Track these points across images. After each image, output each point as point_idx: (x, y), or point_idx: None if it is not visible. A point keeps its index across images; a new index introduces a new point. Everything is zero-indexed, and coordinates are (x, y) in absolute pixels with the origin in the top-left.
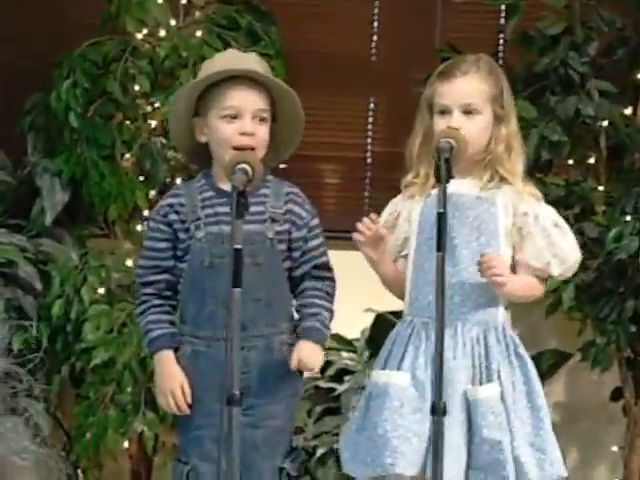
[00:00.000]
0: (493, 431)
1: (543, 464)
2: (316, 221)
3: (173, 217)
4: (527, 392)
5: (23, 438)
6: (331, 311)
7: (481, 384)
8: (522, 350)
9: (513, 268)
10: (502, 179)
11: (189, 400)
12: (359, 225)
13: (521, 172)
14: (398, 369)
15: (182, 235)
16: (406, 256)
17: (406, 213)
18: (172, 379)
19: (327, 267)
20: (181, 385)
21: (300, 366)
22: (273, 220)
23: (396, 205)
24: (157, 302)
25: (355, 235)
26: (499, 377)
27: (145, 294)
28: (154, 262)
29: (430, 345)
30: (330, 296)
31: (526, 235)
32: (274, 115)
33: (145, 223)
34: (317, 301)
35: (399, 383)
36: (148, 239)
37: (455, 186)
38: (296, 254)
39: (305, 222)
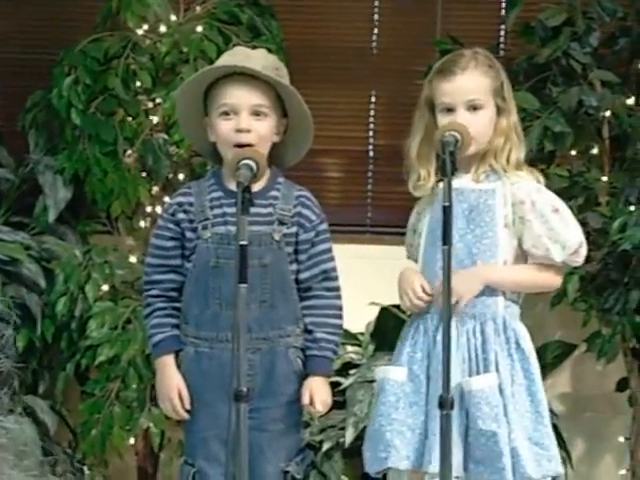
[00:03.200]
0: (488, 422)
1: (541, 459)
2: (324, 226)
3: (181, 216)
4: (527, 386)
5: (28, 436)
6: (341, 327)
7: (478, 375)
8: (525, 343)
9: (524, 259)
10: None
11: (187, 406)
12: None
13: (517, 162)
14: (397, 364)
15: (190, 234)
16: None
17: (422, 213)
18: (170, 385)
19: (334, 274)
20: (178, 391)
21: (311, 406)
22: (281, 222)
23: (418, 206)
24: (161, 305)
25: (415, 301)
26: (497, 369)
27: (150, 296)
28: (161, 260)
29: (427, 339)
30: (340, 309)
31: (525, 223)
32: (285, 110)
33: (148, 219)
34: (330, 320)
35: (395, 378)
36: (156, 237)
37: (457, 180)
38: (302, 257)
39: (313, 225)
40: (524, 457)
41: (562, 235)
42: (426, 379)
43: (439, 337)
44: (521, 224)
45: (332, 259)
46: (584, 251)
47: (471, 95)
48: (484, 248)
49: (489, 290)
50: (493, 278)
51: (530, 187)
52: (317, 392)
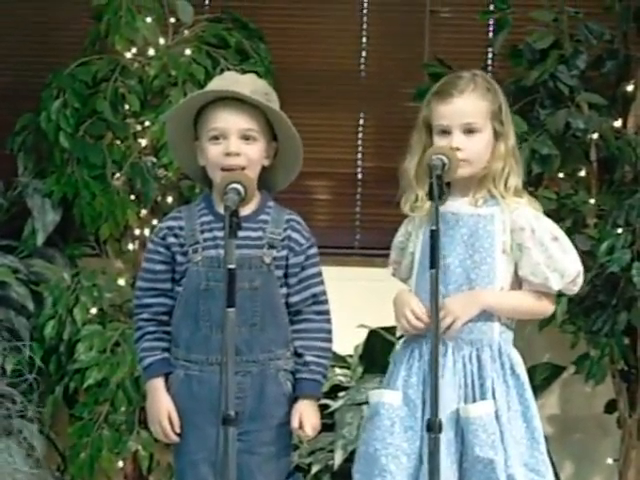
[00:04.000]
0: (485, 450)
1: None
2: (314, 250)
3: (172, 240)
4: (522, 412)
5: (17, 459)
6: (331, 350)
7: (474, 402)
8: (519, 369)
9: (518, 285)
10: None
11: (177, 429)
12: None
13: (514, 188)
14: (392, 388)
15: (180, 258)
16: None
17: (414, 232)
18: (160, 408)
19: (324, 297)
20: (168, 415)
21: (300, 430)
22: (271, 246)
23: (408, 224)
24: (152, 329)
25: (405, 326)
26: (494, 395)
27: (141, 319)
28: (151, 284)
29: (423, 364)
30: (330, 333)
31: (524, 250)
32: (275, 134)
33: (136, 242)
34: (320, 344)
35: (390, 402)
36: (146, 261)
37: (449, 204)
38: (292, 280)
39: (303, 249)
40: None
41: (561, 264)
42: (422, 404)
43: None
44: (519, 251)
45: (322, 283)
46: (581, 280)
47: (468, 118)
48: (482, 274)
49: (485, 316)
50: (490, 302)
51: (529, 214)
52: (307, 416)
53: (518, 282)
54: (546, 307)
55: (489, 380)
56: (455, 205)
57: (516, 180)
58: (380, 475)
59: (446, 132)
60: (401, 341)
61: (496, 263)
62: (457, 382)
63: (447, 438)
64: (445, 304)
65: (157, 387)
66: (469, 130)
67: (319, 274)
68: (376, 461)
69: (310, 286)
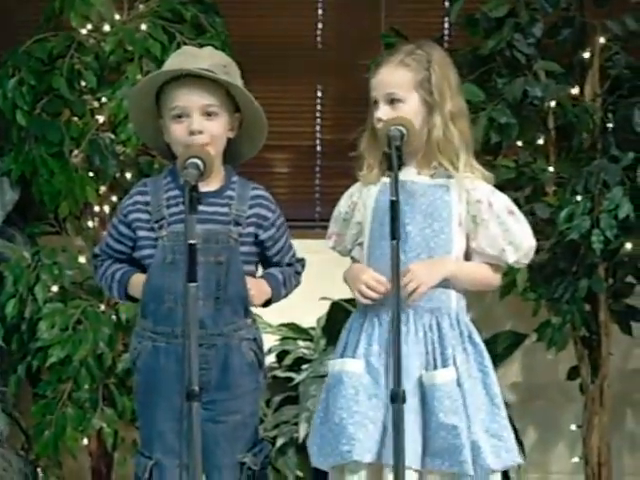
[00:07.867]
0: (449, 416)
1: (499, 451)
2: (282, 219)
3: (135, 215)
4: (482, 379)
5: None
6: (287, 295)
7: (436, 369)
8: (476, 337)
9: (467, 256)
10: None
11: None
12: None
13: (464, 158)
14: (353, 357)
15: (142, 233)
16: (362, 244)
17: (361, 202)
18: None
19: (299, 259)
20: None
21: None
22: (237, 223)
23: (352, 195)
24: (109, 261)
25: (367, 293)
26: (455, 363)
27: (97, 264)
28: (106, 255)
29: (383, 332)
30: (295, 285)
31: (480, 222)
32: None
33: (96, 219)
34: (286, 269)
35: (353, 370)
36: (108, 234)
37: (408, 174)
38: (270, 253)
39: (272, 222)
40: (484, 449)
41: (517, 237)
42: (385, 371)
43: None
44: (472, 223)
45: (292, 247)
46: (532, 254)
47: (388, 89)
48: (441, 243)
49: (443, 284)
50: (453, 270)
51: (486, 188)
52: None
53: (467, 254)
54: (497, 279)
55: (450, 348)
56: (414, 175)
57: (466, 153)
58: (348, 444)
59: (376, 103)
60: (357, 310)
61: (453, 233)
62: (419, 350)
63: (413, 406)
64: (411, 269)
65: (140, 276)
66: (392, 100)
67: (289, 239)
68: (343, 430)
69: (286, 255)
